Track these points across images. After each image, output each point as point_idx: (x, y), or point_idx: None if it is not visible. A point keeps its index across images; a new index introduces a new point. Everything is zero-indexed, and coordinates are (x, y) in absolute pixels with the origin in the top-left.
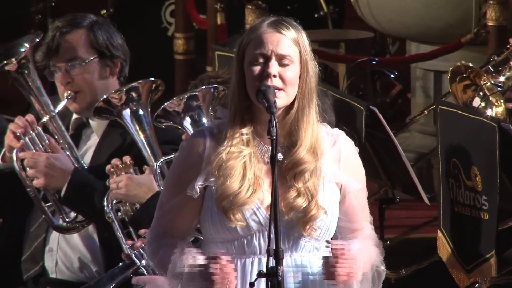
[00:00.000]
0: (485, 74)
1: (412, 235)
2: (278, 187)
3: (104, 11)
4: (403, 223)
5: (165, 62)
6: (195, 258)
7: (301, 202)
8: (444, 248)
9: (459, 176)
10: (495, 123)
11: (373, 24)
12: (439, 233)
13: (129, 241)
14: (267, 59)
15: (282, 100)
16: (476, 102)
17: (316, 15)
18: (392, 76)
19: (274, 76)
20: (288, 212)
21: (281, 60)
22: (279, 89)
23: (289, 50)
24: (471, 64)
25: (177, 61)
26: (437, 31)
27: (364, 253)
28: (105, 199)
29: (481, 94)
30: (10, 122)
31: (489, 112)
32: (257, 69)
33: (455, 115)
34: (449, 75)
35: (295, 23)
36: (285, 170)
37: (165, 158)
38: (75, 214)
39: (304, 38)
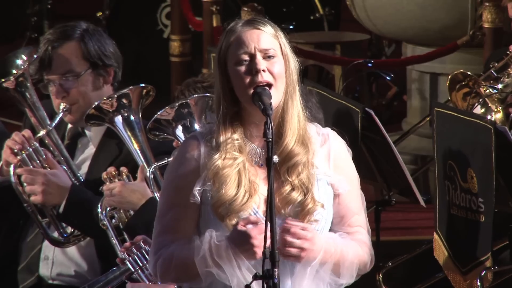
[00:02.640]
0: (483, 82)
1: (408, 237)
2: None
3: (100, 14)
4: (399, 225)
5: (161, 65)
6: (213, 233)
7: (296, 195)
8: (440, 250)
9: (455, 178)
10: (491, 125)
11: (369, 26)
12: (435, 235)
13: (124, 247)
14: (252, 57)
15: (274, 97)
16: (478, 109)
17: (312, 17)
18: (388, 78)
19: (264, 71)
20: (284, 206)
21: (266, 54)
22: (270, 85)
23: (271, 44)
24: (469, 72)
25: (173, 63)
26: (433, 33)
27: (336, 244)
28: (99, 206)
29: (481, 101)
30: (5, 125)
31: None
32: (244, 68)
33: (451, 117)
34: (447, 83)
35: (266, 19)
36: (278, 165)
37: (158, 164)
38: (72, 229)
39: (281, 32)
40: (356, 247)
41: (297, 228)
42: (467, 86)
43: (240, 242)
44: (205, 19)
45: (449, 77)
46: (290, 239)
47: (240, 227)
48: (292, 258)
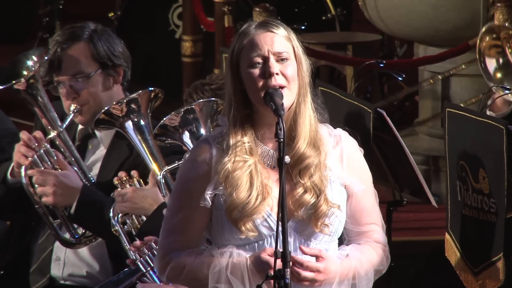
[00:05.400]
0: None
1: (420, 238)
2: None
3: (112, 14)
4: (411, 225)
5: (172, 65)
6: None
7: (309, 198)
8: (452, 251)
9: (466, 178)
10: (502, 126)
11: (381, 26)
12: (447, 236)
13: (134, 246)
14: (266, 60)
15: (287, 98)
16: (493, 63)
17: (323, 18)
18: (400, 78)
19: (277, 74)
20: (297, 209)
21: (279, 57)
22: (283, 87)
23: (284, 47)
24: (506, 24)
25: (185, 63)
26: (445, 33)
27: (350, 262)
28: (111, 211)
29: (500, 61)
30: (17, 126)
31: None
32: (257, 71)
33: (462, 117)
34: (486, 27)
35: (279, 21)
36: (290, 168)
37: (169, 167)
38: (84, 230)
39: (293, 34)
40: (369, 254)
41: (309, 263)
42: (498, 39)
43: (260, 269)
44: (217, 20)
45: (490, 25)
46: (303, 273)
47: (265, 255)
48: None
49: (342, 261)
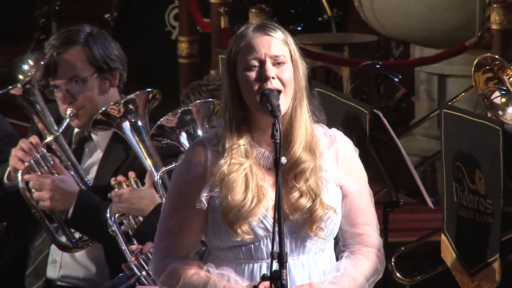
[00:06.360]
0: (510, 68)
1: (416, 238)
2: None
3: (108, 15)
4: (407, 226)
5: (169, 66)
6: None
7: (305, 202)
8: (448, 252)
9: (463, 179)
10: (499, 127)
11: (377, 27)
12: (443, 237)
13: (130, 249)
14: (262, 63)
15: (283, 103)
16: (495, 95)
17: (320, 19)
18: (396, 79)
19: (273, 78)
20: (293, 213)
21: (276, 60)
22: (279, 92)
23: (281, 50)
24: (497, 56)
25: (181, 64)
26: (441, 34)
27: (345, 283)
28: (107, 211)
29: (503, 90)
30: (14, 127)
31: (510, 110)
32: (253, 74)
33: (459, 118)
34: (474, 64)
35: (277, 24)
36: (285, 172)
37: (166, 168)
38: (80, 234)
39: (291, 38)
40: (363, 267)
41: None
42: (491, 71)
43: None
44: (213, 21)
45: (477, 59)
46: None
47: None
48: None
49: (336, 286)
